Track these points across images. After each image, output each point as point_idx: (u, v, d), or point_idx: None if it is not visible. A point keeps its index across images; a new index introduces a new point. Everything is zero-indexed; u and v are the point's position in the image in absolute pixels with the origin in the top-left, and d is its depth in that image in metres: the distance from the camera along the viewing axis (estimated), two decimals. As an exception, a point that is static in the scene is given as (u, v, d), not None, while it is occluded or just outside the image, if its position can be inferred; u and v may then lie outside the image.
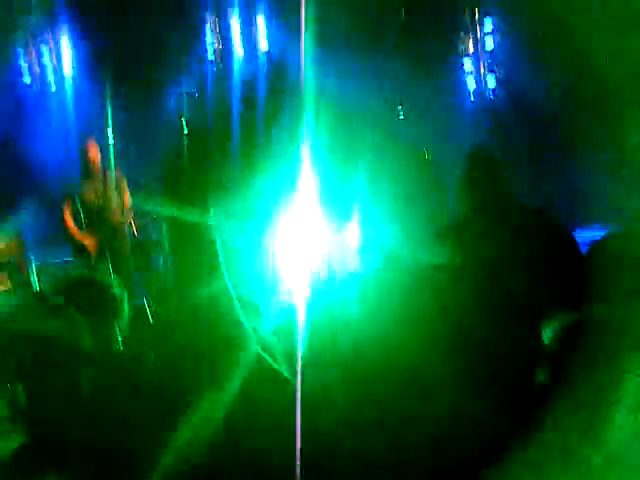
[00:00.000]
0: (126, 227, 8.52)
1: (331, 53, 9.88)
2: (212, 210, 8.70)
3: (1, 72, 10.36)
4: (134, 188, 8.54)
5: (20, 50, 10.41)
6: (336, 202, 7.90)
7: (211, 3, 10.72)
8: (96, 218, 7.94)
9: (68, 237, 8.02)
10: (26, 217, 9.66)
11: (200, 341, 2.65)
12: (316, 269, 5.92)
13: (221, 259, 7.94)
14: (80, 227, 7.96)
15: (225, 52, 10.80)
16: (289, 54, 10.56)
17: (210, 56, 10.73)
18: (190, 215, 8.97)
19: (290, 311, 3.00)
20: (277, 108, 10.04)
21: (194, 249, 8.51)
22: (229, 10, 10.63)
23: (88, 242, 7.85)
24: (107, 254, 7.97)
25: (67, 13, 10.32)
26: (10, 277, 8.99)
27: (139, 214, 9.25)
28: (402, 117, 10.46)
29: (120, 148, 10.39)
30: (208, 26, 10.70)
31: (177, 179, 9.33)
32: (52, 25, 10.33)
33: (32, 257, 9.35)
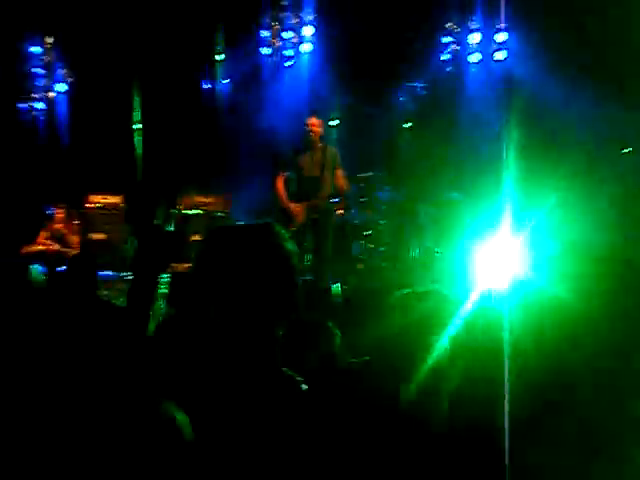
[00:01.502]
0: (334, 205, 8.76)
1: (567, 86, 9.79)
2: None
3: (243, 40, 10.87)
4: (350, 172, 8.77)
5: (266, 22, 10.87)
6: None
7: (455, 13, 10.78)
8: (307, 191, 8.16)
9: (276, 203, 8.30)
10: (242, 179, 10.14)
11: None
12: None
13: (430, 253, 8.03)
14: (290, 196, 8.21)
15: (461, 57, 10.83)
16: (523, 70, 10.46)
17: (445, 56, 10.79)
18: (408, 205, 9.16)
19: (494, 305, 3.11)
20: (497, 119, 10.03)
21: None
22: (471, 18, 10.65)
23: (294, 211, 8.08)
24: (309, 226, 8.21)
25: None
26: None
27: (351, 197, 9.53)
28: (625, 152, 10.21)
29: (344, 130, 10.73)
30: (450, 29, 10.75)
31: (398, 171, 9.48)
32: (302, 6, 10.71)
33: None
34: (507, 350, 2.60)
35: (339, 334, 3.07)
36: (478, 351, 2.53)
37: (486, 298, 3.08)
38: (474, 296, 3.30)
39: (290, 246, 2.36)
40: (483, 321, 2.71)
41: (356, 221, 9.60)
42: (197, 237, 9.39)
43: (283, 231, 2.42)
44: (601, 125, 9.94)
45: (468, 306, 2.76)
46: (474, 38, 10.98)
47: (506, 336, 2.67)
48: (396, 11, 10.44)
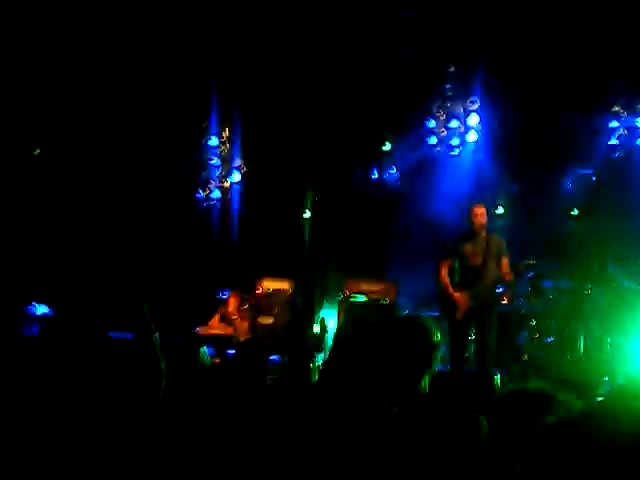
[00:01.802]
0: (498, 295, 8.77)
1: None
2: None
3: (410, 130, 11.17)
4: (516, 258, 8.77)
5: (432, 111, 11.10)
6: None
7: (622, 96, 10.64)
8: (470, 279, 8.18)
9: (440, 291, 8.35)
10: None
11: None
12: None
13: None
14: (453, 285, 8.25)
15: (629, 141, 10.62)
16: None
17: (613, 141, 10.58)
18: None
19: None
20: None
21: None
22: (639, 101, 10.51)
23: (458, 300, 8.08)
24: (472, 315, 8.21)
25: (484, 89, 10.90)
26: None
27: (517, 286, 9.51)
28: None
29: (510, 218, 10.71)
30: (617, 113, 10.59)
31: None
32: (467, 96, 10.98)
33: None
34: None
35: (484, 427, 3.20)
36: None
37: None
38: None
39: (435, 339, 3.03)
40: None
41: (522, 311, 9.51)
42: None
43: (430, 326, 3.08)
44: None
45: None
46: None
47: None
48: (561, 97, 10.43)
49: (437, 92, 11.24)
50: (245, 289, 9.79)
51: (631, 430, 2.36)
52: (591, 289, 9.26)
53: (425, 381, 3.14)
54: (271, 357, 8.22)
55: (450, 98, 11.20)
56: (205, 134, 11.34)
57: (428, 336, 3.03)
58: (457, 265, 8.28)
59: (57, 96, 10.37)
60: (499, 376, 6.81)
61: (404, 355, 3.00)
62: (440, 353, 3.20)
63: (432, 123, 11.24)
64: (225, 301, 9.62)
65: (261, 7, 10.28)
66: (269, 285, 9.95)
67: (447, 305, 8.19)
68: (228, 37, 10.48)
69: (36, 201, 10.41)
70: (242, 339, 9.01)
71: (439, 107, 11.25)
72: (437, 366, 3.17)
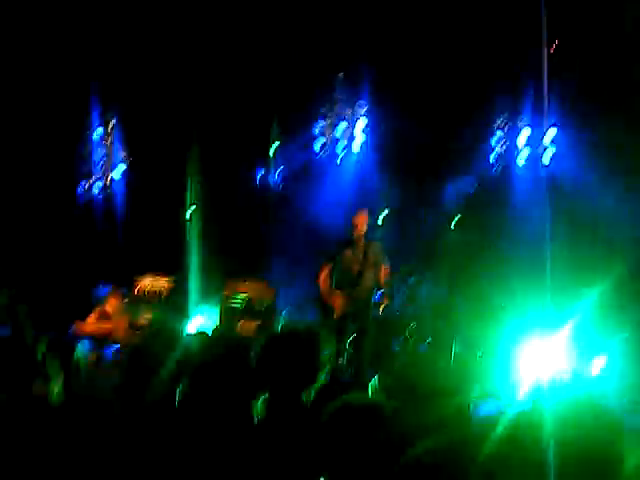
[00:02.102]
0: (374, 300, 8.95)
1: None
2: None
3: (298, 131, 11.20)
4: (394, 267, 8.98)
5: (319, 119, 11.22)
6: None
7: (504, 110, 10.97)
8: (348, 284, 8.36)
9: (319, 296, 8.51)
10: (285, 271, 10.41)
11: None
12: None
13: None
14: (332, 290, 8.42)
15: (507, 158, 11.01)
16: (570, 171, 10.52)
17: (492, 159, 10.92)
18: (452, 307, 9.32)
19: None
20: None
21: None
22: (520, 117, 10.82)
23: (335, 302, 8.26)
24: (349, 318, 8.40)
25: (371, 98, 11.11)
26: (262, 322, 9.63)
27: (394, 291, 9.73)
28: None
29: (391, 226, 10.93)
30: (499, 127, 10.88)
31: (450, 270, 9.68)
32: (354, 104, 11.11)
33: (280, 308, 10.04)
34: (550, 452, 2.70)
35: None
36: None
37: (530, 397, 3.24)
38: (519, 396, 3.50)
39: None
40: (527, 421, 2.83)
41: (399, 317, 9.72)
42: (242, 322, 9.62)
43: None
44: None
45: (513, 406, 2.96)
46: (522, 136, 11.13)
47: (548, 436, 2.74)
48: (446, 110, 10.70)
49: (325, 96, 11.37)
50: (125, 286, 9.68)
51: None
52: (462, 299, 9.58)
53: (310, 393, 3.26)
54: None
55: (338, 103, 11.33)
56: (88, 127, 11.15)
57: (316, 354, 3.18)
58: (336, 270, 8.43)
59: None
60: (374, 382, 6.95)
61: (289, 371, 3.13)
62: (327, 369, 3.35)
63: (319, 127, 11.35)
64: (104, 298, 9.48)
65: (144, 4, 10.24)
66: (149, 283, 9.87)
67: (324, 307, 8.34)
68: (113, 31, 10.34)
69: None
70: (120, 337, 8.93)
71: (327, 111, 11.37)
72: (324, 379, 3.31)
